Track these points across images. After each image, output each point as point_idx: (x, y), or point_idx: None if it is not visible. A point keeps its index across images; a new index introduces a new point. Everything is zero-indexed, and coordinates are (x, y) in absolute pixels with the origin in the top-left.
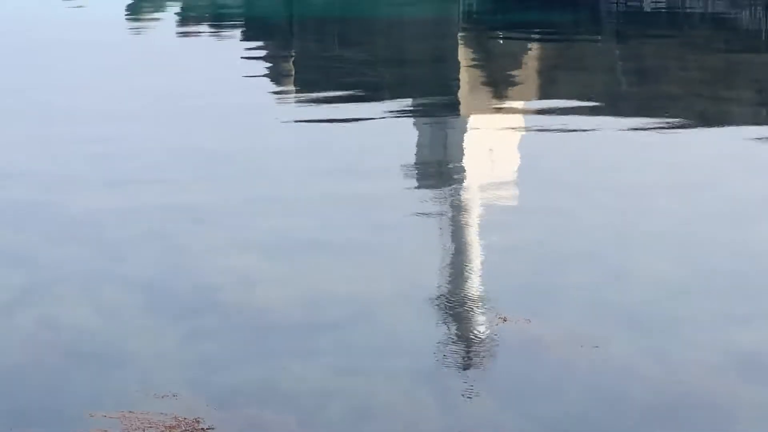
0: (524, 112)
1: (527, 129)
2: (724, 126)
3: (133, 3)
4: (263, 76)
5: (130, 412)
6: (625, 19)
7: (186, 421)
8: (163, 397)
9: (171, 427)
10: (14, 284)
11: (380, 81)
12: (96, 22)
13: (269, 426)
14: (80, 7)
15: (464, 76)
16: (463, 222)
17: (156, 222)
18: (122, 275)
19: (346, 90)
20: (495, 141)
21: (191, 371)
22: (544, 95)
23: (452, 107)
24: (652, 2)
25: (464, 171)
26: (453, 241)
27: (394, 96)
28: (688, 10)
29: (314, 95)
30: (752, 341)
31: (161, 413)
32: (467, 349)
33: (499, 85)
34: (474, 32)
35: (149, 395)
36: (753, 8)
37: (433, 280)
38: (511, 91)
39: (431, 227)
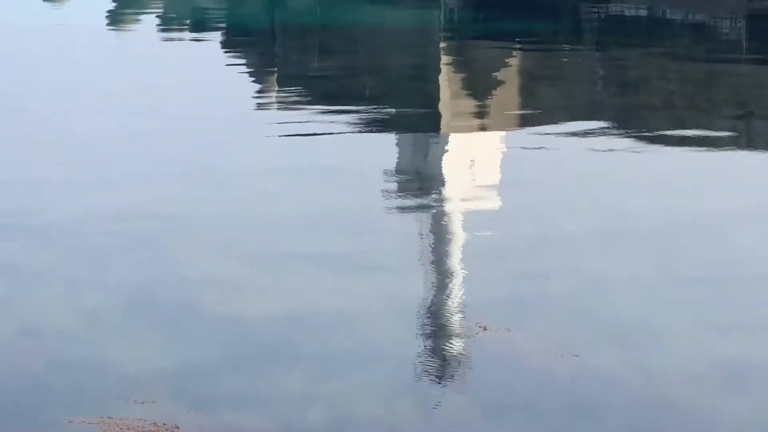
0: (505, 121)
1: (508, 139)
2: (703, 136)
3: (113, 10)
4: (245, 85)
5: (109, 417)
6: (606, 27)
7: (165, 426)
8: (142, 403)
9: None
10: None
11: (361, 91)
12: (76, 29)
13: None
14: (59, 10)
15: (445, 85)
16: (443, 232)
17: (138, 230)
18: (103, 282)
19: (328, 100)
20: (476, 151)
21: (171, 377)
22: (524, 105)
23: (433, 117)
24: (633, 10)
25: (445, 182)
26: (434, 250)
27: (375, 106)
28: (669, 19)
29: (296, 105)
30: (732, 351)
31: (140, 419)
32: (447, 358)
33: (479, 95)
34: (455, 41)
35: (129, 401)
36: (734, 18)
37: (414, 289)
38: (491, 101)
39: (412, 237)
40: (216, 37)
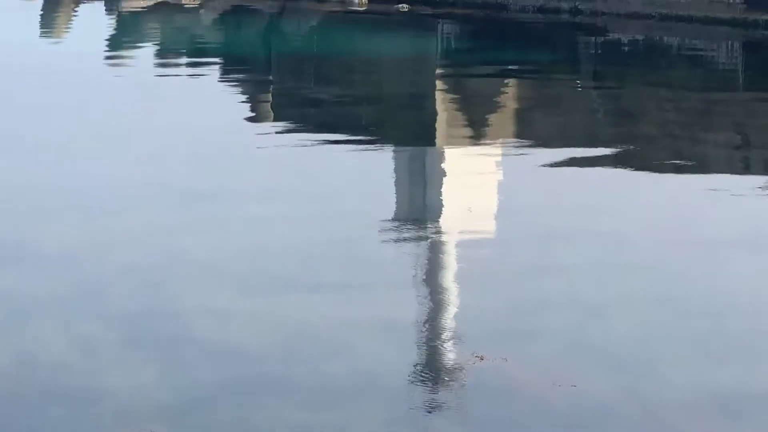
0: (502, 153)
1: (505, 171)
2: (701, 168)
3: (111, 40)
4: (241, 115)
5: None
6: (603, 57)
7: None
8: None
9: None
10: None
11: (358, 122)
12: (74, 59)
13: None
14: (58, 42)
15: (442, 117)
16: (440, 263)
17: (133, 259)
18: (99, 311)
19: (325, 131)
20: (473, 184)
21: (167, 407)
22: (522, 136)
23: (430, 149)
24: (631, 39)
25: (442, 214)
26: (430, 281)
27: (371, 137)
28: (667, 48)
29: (292, 136)
30: (729, 381)
31: None
32: (444, 388)
33: (476, 126)
34: (452, 71)
35: (125, 431)
36: (730, 45)
37: (410, 319)
38: (489, 132)
39: (408, 268)
40: (213, 70)
